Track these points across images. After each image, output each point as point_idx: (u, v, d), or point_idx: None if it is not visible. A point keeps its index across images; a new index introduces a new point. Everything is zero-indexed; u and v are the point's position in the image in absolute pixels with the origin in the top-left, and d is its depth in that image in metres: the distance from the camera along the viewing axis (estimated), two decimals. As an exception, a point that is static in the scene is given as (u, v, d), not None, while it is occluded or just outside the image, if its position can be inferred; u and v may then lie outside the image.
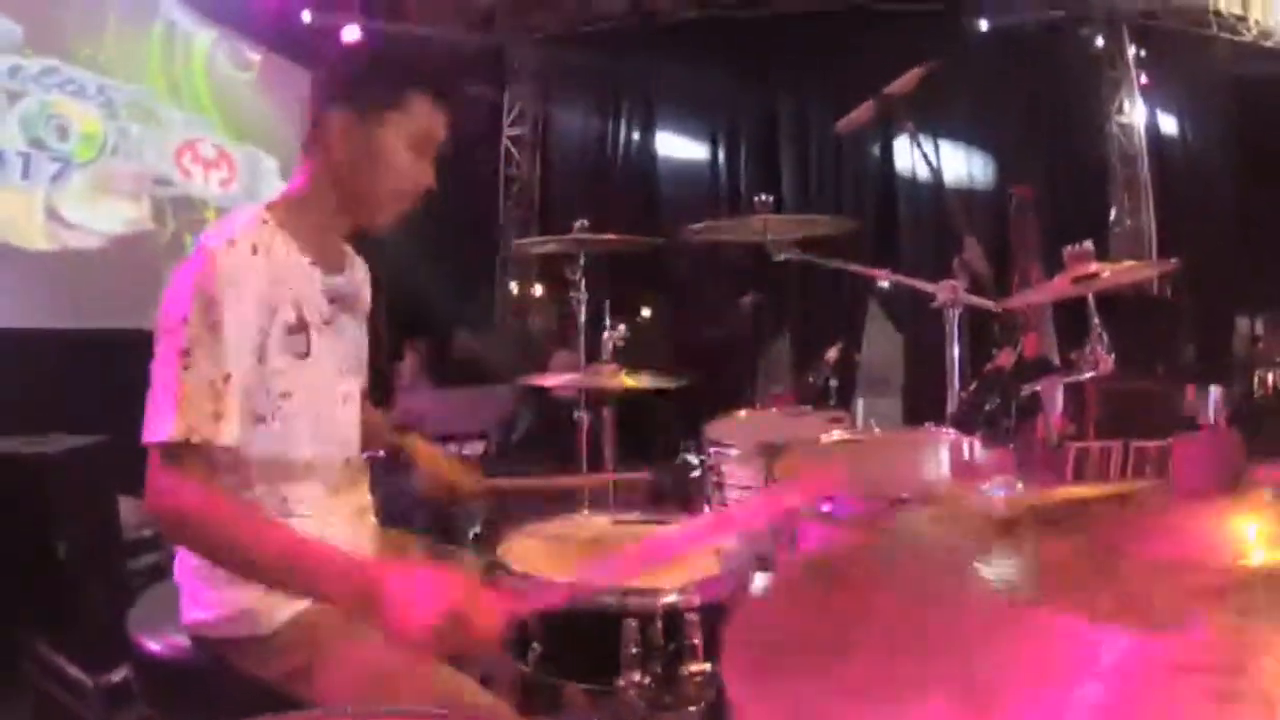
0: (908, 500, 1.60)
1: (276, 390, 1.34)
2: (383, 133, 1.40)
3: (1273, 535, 0.61)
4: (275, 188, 4.72)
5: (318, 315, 1.41)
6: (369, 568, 1.20)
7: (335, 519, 1.45)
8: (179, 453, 1.19)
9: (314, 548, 1.20)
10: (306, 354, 1.37)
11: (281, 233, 1.37)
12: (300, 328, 1.36)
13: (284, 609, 1.34)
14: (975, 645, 0.57)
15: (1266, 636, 0.52)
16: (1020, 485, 1.51)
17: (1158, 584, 0.59)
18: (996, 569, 0.68)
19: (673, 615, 1.35)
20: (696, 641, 1.34)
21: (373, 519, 1.60)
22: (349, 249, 1.58)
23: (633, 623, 1.33)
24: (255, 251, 1.30)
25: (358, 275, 1.58)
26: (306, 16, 6.05)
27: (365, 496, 1.58)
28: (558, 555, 1.55)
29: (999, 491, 1.51)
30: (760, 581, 1.47)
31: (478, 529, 3.29)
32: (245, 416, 1.28)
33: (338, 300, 1.47)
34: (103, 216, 4.55)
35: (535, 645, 1.39)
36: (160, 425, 1.20)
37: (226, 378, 1.23)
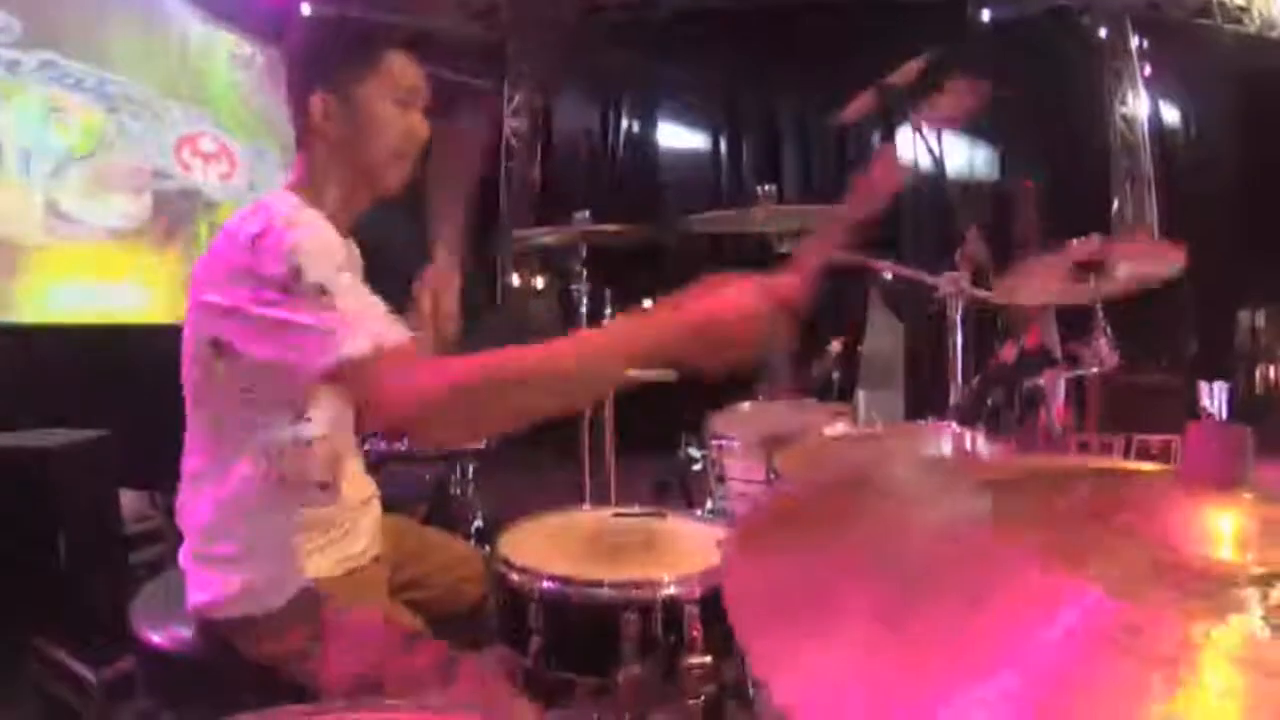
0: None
1: None
2: (366, 99, 1.38)
3: (1251, 536, 0.60)
4: (276, 180, 4.71)
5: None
6: (670, 311, 1.18)
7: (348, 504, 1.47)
8: (379, 360, 1.13)
9: (594, 335, 1.24)
10: None
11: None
12: None
13: (287, 587, 1.35)
14: (932, 568, 0.60)
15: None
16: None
17: (1129, 557, 0.59)
18: (966, 503, 0.71)
19: (672, 607, 1.35)
20: (696, 634, 1.34)
21: (378, 506, 1.61)
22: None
23: (632, 615, 1.32)
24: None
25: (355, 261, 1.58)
26: (306, 9, 6.03)
27: (372, 485, 1.60)
28: (559, 549, 1.55)
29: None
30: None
31: (479, 523, 3.30)
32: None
33: None
34: (102, 210, 4.54)
35: (535, 637, 1.38)
36: (347, 346, 1.12)
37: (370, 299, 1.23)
